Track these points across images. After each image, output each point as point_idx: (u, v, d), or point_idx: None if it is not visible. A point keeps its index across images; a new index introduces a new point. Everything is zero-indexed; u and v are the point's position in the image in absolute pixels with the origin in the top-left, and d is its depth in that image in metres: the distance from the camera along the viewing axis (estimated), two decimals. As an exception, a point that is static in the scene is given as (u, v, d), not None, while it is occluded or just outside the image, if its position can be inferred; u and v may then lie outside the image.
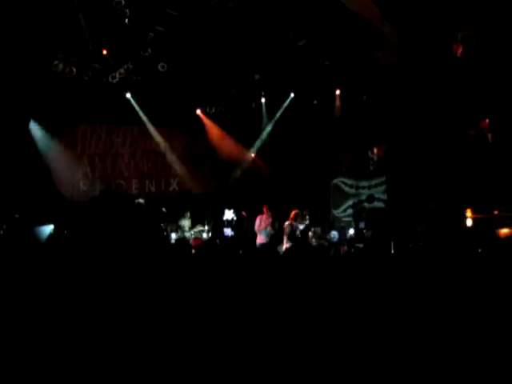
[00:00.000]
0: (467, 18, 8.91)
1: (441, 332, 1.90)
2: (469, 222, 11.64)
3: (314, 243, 9.54)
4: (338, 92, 12.46)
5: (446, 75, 10.27)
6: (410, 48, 9.89)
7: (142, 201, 9.04)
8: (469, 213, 11.54)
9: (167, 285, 1.93)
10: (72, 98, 10.30)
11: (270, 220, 10.00)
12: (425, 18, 8.87)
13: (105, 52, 9.91)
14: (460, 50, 9.17)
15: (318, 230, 10.34)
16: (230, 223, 11.50)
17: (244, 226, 11.19)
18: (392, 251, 7.89)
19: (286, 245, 8.99)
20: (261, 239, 9.76)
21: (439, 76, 10.28)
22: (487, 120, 10.44)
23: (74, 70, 10.15)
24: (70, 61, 10.01)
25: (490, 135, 10.51)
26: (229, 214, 11.80)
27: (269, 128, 13.82)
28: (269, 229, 9.88)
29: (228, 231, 11.10)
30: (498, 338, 1.89)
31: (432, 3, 8.40)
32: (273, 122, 13.59)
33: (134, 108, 11.73)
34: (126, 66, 10.35)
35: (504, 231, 10.87)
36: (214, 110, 12.97)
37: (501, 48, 9.60)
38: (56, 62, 9.77)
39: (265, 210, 10.10)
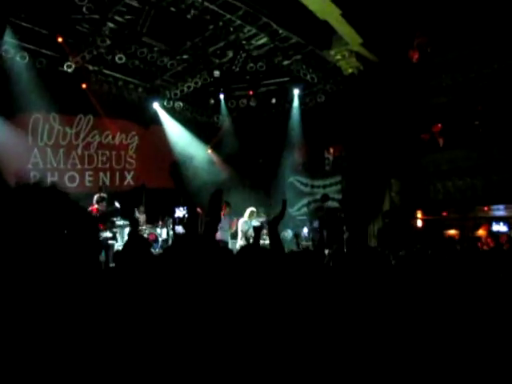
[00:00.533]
0: (423, 25, 9.20)
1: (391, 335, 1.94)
2: (419, 223, 12.07)
3: (266, 241, 9.41)
4: (296, 91, 12.59)
5: (402, 79, 10.57)
6: (369, 51, 10.12)
7: (104, 195, 8.77)
8: (419, 214, 11.96)
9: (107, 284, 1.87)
10: (24, 86, 9.86)
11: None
12: (383, 25, 9.10)
13: (60, 40, 9.58)
14: (416, 56, 9.47)
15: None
16: (181, 220, 11.31)
17: (197, 224, 10.95)
18: (344, 251, 8.02)
19: (240, 242, 8.99)
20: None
21: (396, 80, 10.56)
22: (439, 125, 10.82)
23: (27, 56, 9.74)
24: (22, 46, 9.62)
25: (441, 140, 10.90)
26: (180, 212, 11.60)
27: (227, 124, 13.80)
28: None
29: (179, 228, 10.91)
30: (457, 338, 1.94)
31: (390, 12, 8.63)
32: (231, 118, 13.59)
33: (89, 99, 11.39)
34: (82, 55, 10.04)
35: (451, 232, 11.33)
36: (171, 104, 12.80)
37: (455, 56, 9.98)
38: (6, 47, 9.35)
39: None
